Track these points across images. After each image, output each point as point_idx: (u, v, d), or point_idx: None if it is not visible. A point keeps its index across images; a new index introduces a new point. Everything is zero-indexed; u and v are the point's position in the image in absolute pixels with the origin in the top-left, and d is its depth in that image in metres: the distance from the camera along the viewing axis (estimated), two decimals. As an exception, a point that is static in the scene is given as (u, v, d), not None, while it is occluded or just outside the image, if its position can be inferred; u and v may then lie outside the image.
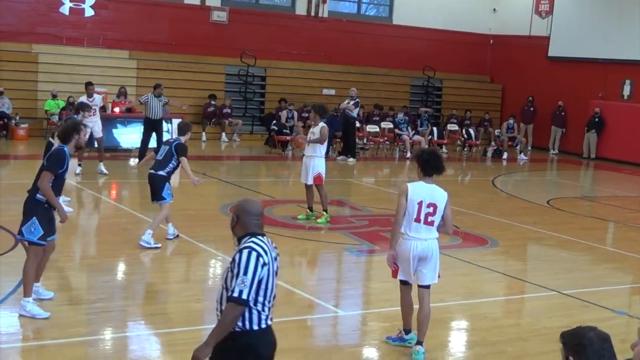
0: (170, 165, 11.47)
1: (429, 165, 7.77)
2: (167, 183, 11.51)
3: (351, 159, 23.24)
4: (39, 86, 23.32)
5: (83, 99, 18.53)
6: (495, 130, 28.05)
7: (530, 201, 18.67)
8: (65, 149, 8.28)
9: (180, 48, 26.02)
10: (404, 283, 7.93)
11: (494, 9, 31.97)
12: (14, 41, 23.62)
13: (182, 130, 12.03)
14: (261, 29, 27.21)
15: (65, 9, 24.60)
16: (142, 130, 19.66)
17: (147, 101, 19.41)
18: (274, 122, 24.71)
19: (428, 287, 7.88)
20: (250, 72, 26.88)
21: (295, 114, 25.40)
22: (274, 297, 5.17)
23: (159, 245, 11.40)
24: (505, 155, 26.68)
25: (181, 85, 25.07)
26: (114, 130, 21.50)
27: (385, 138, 26.44)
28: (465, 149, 27.49)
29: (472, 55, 31.64)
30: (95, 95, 18.64)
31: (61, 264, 10.94)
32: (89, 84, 18.81)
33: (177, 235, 11.94)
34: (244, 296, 4.90)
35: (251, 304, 4.98)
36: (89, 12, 24.93)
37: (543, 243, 14.17)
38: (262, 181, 20.42)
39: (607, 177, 25.42)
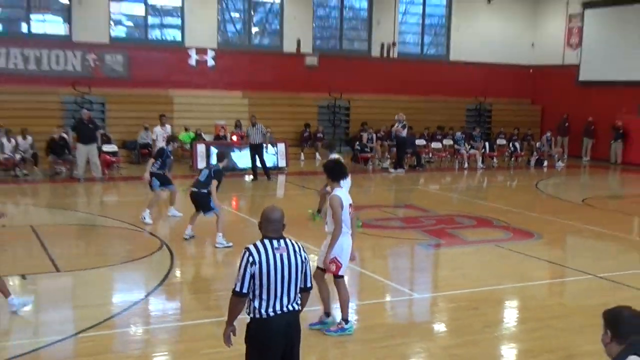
0: (211, 185, 11.27)
1: (336, 173, 7.40)
2: (210, 198, 11.25)
3: (400, 170, 22.81)
4: (174, 122, 23.83)
5: (157, 129, 18.67)
6: (537, 143, 27.35)
7: (568, 200, 18.13)
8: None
9: (281, 87, 26.22)
10: (340, 277, 7.35)
11: (532, 44, 31.20)
12: (154, 87, 24.27)
13: (219, 157, 11.68)
14: (345, 69, 27.23)
15: (192, 61, 25.17)
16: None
17: (248, 131, 20.02)
18: (357, 142, 24.68)
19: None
20: (337, 105, 26.95)
21: (374, 136, 25.29)
22: (287, 291, 4.76)
23: (231, 244, 11.17)
24: (545, 164, 25.96)
25: (284, 117, 25.33)
26: (232, 154, 21.77)
27: (447, 153, 26.12)
28: (512, 160, 26.83)
29: (516, 83, 30.86)
30: (166, 125, 18.80)
31: (198, 261, 11.15)
32: (162, 116, 18.96)
33: (193, 237, 11.66)
34: (237, 288, 4.74)
35: (251, 296, 4.75)
36: (211, 63, 25.44)
37: (580, 235, 13.71)
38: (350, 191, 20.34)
39: (632, 179, 24.38)
